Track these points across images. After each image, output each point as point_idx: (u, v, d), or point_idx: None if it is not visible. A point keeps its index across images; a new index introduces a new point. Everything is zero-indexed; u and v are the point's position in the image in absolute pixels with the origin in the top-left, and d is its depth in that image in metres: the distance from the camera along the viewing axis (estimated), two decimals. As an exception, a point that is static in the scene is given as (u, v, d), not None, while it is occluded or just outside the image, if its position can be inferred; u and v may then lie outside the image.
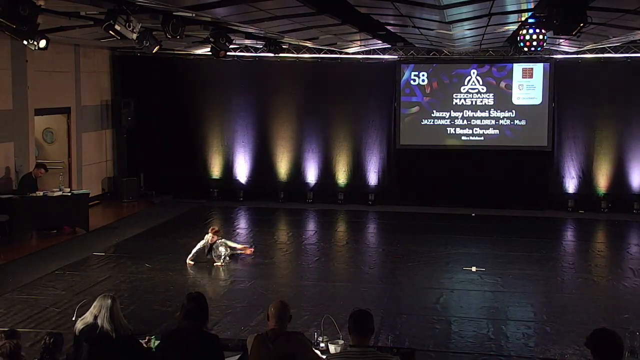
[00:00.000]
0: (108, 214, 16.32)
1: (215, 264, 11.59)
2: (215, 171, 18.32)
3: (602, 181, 16.77)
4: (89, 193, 15.07)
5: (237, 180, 18.23)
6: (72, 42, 15.52)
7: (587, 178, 16.89)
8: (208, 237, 11.77)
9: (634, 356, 4.86)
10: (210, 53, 14.29)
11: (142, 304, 9.55)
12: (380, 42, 15.54)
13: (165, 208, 16.98)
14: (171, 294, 9.94)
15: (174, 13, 10.09)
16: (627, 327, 5.38)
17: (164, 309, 9.32)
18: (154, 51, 11.75)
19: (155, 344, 5.68)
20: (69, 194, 14.01)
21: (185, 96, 18.09)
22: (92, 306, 5.48)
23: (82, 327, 5.44)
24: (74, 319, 5.91)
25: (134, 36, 9.77)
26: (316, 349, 5.60)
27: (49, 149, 16.39)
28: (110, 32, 9.19)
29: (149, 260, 11.90)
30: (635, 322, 8.56)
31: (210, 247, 11.72)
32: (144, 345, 5.72)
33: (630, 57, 16.05)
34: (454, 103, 17.21)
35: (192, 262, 11.68)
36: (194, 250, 11.76)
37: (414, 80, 17.33)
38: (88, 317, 5.45)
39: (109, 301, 5.43)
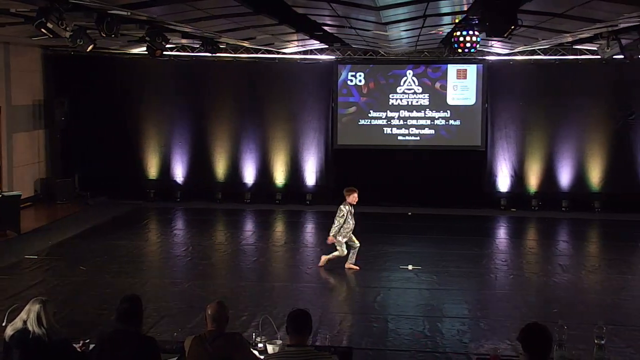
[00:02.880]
0: (41, 216, 15.94)
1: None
2: (152, 172, 18.10)
3: (533, 180, 17.26)
4: (21, 195, 14.66)
5: (174, 180, 18.06)
6: (1, 39, 15.10)
7: (518, 177, 17.35)
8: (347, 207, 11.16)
9: (562, 348, 5.02)
10: (146, 52, 14.11)
11: (77, 307, 9.37)
12: (317, 42, 15.61)
13: (100, 209, 16.68)
14: (107, 297, 9.75)
15: (109, 11, 9.93)
16: (556, 321, 5.54)
17: (100, 312, 9.16)
18: (88, 50, 11.50)
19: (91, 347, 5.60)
20: (-1, 195, 13.64)
21: (121, 96, 17.82)
22: (23, 311, 5.38)
23: (12, 332, 5.31)
24: (4, 324, 5.77)
25: (67, 34, 9.60)
26: (254, 349, 5.60)
27: (-22, 149, 15.93)
28: (42, 30, 8.99)
29: (84, 262, 11.67)
30: (564, 316, 8.82)
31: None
32: (78, 349, 5.63)
33: (559, 59, 16.56)
34: (390, 103, 17.42)
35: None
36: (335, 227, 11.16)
37: (351, 81, 17.48)
38: (18, 322, 5.34)
39: (38, 305, 5.33)
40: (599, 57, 14.26)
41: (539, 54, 16.58)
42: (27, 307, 5.36)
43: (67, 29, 9.36)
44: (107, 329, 5.68)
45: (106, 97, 17.72)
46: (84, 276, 10.95)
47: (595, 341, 5.24)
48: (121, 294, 5.76)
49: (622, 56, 12.73)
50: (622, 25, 11.15)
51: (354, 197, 11.20)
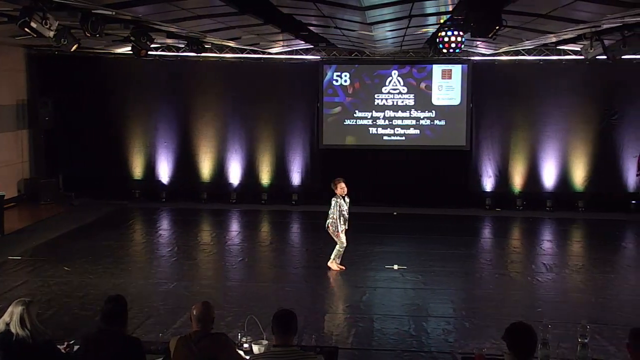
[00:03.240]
0: (24, 217, 15.83)
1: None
2: (137, 172, 18.03)
3: (518, 180, 17.36)
4: (4, 195, 14.54)
5: (160, 180, 18.01)
6: (-16, 39, 15.00)
7: (503, 177, 17.44)
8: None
9: (546, 347, 5.05)
10: (131, 52, 14.05)
11: (61, 308, 9.32)
12: (302, 42, 15.61)
13: (85, 210, 16.59)
14: (91, 297, 9.73)
15: (93, 11, 9.88)
16: (540, 320, 5.58)
17: (84, 312, 9.13)
18: (72, 50, 11.44)
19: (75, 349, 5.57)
20: (-17, 196, 13.52)
21: (106, 95, 17.73)
22: (6, 313, 5.34)
23: (-5, 335, 5.28)
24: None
25: (51, 34, 9.52)
26: (240, 349, 5.60)
27: (-40, 149, 15.81)
28: (26, 29, 8.93)
29: (68, 263, 11.61)
30: (548, 315, 8.88)
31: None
32: (63, 351, 5.60)
33: (543, 59, 16.67)
34: (375, 103, 17.45)
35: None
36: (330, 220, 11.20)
37: (337, 81, 17.49)
38: (0, 324, 5.30)
39: (21, 307, 5.29)
40: (582, 57, 14.37)
41: (523, 55, 16.67)
42: (9, 309, 5.32)
43: (51, 28, 9.29)
44: (91, 329, 5.65)
45: (91, 97, 17.64)
46: (69, 277, 10.89)
47: (579, 340, 5.28)
48: (106, 294, 5.75)
49: (605, 57, 12.84)
50: (605, 26, 11.26)
51: (340, 188, 11.23)
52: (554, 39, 13.87)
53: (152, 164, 18.02)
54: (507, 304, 9.84)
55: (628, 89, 16.79)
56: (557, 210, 16.87)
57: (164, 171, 18.00)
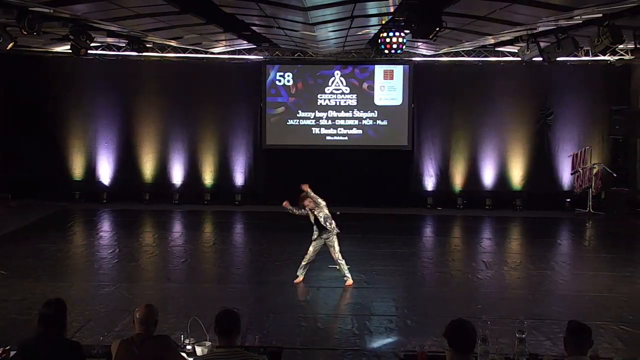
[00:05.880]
0: (-42, 220, 15.39)
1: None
2: (77, 173, 17.72)
3: (458, 179, 17.67)
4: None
5: (100, 181, 17.73)
6: None
7: (444, 176, 17.73)
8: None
9: (485, 343, 5.16)
10: (70, 51, 13.76)
11: (-2, 313, 9.11)
12: (245, 42, 15.57)
13: (23, 212, 16.22)
14: (30, 302, 9.49)
15: (30, 8, 9.66)
16: (479, 317, 5.71)
17: (22, 317, 8.91)
18: (8, 48, 11.17)
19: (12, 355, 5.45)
20: None
21: (44, 95, 17.36)
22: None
23: None
24: None
25: (-15, 32, 9.29)
26: (183, 351, 5.57)
27: None
28: (-42, 27, 8.70)
29: (5, 267, 11.32)
30: (487, 311, 9.06)
31: (316, 218, 10.73)
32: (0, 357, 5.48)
33: (481, 60, 16.99)
34: (318, 103, 17.53)
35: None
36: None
37: (280, 81, 17.50)
38: None
39: None
40: (519, 59, 14.71)
41: (462, 56, 16.97)
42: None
43: (-15, 26, 9.07)
44: (29, 335, 5.54)
45: (29, 96, 17.23)
46: (5, 281, 10.62)
47: (517, 335, 5.41)
48: (44, 298, 5.62)
49: (540, 58, 13.18)
50: (540, 29, 11.57)
51: (305, 202, 10.90)
52: (492, 41, 14.18)
53: (92, 165, 17.72)
54: (448, 302, 10.00)
55: (563, 89, 17.28)
56: (496, 209, 17.25)
57: (105, 172, 17.73)
